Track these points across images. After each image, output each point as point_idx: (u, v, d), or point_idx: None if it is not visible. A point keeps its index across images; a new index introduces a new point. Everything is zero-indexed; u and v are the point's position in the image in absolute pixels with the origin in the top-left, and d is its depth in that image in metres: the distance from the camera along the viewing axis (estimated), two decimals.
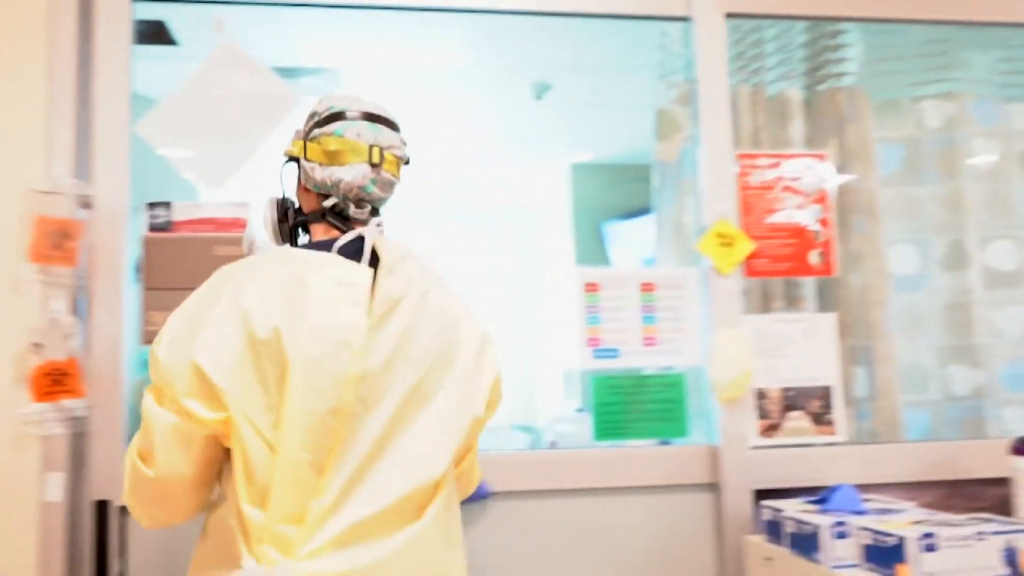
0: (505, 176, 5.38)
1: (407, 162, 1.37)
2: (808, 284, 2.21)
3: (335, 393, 1.13)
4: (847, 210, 2.25)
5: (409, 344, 1.20)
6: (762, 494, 1.91)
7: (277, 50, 3.07)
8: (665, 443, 2.05)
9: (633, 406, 2.02)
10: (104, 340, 1.80)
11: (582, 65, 3.44)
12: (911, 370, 2.29)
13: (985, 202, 2.35)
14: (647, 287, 2.05)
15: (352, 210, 1.30)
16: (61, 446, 1.75)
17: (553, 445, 3.66)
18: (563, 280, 5.24)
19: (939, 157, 2.37)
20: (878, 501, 1.78)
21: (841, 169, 2.26)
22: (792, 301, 2.20)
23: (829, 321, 2.07)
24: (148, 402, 1.18)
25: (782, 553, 1.67)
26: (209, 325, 1.14)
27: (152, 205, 1.90)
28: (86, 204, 1.81)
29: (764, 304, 2.20)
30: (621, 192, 4.91)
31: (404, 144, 1.35)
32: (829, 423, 2.03)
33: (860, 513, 1.63)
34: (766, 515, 1.76)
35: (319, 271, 1.19)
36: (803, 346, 2.04)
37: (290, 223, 1.38)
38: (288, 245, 1.38)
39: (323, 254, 1.24)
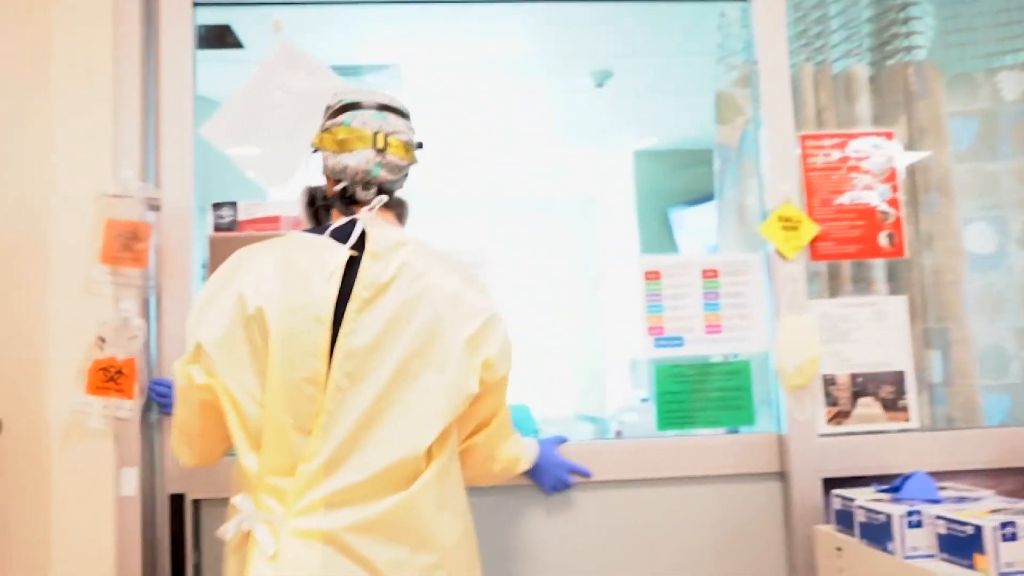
0: (568, 165, 5.37)
1: (420, 146, 1.49)
2: (879, 266, 2.14)
3: (308, 363, 1.26)
4: (918, 189, 2.18)
5: (399, 325, 1.29)
6: (832, 483, 1.87)
7: (339, 49, 3.12)
8: (732, 432, 2.02)
9: (697, 395, 2.00)
10: (173, 339, 1.86)
11: (642, 51, 3.41)
12: (989, 353, 2.20)
13: None
14: (709, 273, 2.02)
15: (359, 192, 1.41)
16: (134, 442, 1.82)
17: (619, 435, 3.65)
18: (627, 268, 5.21)
19: (1016, 130, 2.27)
20: (954, 489, 1.72)
21: (911, 146, 2.18)
22: (863, 284, 2.14)
23: (899, 304, 2.01)
24: (176, 365, 1.37)
25: (853, 543, 1.63)
26: (216, 301, 1.32)
27: (218, 205, 1.95)
28: (154, 206, 1.87)
29: (834, 288, 2.14)
30: (685, 178, 4.84)
31: (412, 130, 1.46)
32: (902, 409, 1.97)
33: (935, 502, 1.58)
34: (836, 504, 1.72)
35: (306, 252, 1.33)
36: (872, 330, 1.98)
37: (314, 208, 1.50)
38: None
39: (316, 237, 1.36)
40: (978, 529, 1.35)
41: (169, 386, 1.77)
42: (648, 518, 1.93)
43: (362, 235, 1.35)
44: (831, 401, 1.96)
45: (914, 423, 1.96)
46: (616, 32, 3.18)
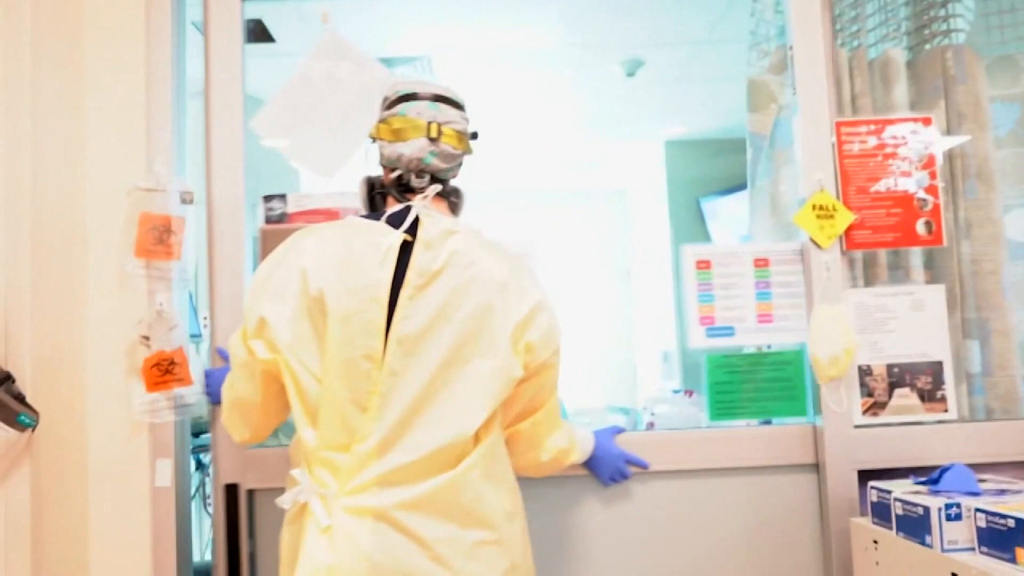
0: (598, 155, 5.34)
1: (475, 136, 1.52)
2: (916, 255, 2.10)
3: (366, 341, 1.31)
4: (957, 175, 2.13)
5: (450, 312, 1.34)
6: (867, 475, 1.84)
7: (371, 41, 3.13)
8: (766, 423, 2.00)
9: (749, 385, 1.98)
10: (227, 332, 1.87)
11: (672, 40, 3.38)
12: None
13: None
14: (761, 263, 2.00)
15: (413, 180, 1.45)
16: (168, 433, 1.84)
17: (650, 427, 3.63)
18: (660, 259, 5.17)
19: None
20: (994, 481, 1.68)
21: (949, 132, 2.13)
22: (900, 272, 2.10)
23: (937, 293, 1.97)
24: (233, 339, 1.44)
25: (889, 536, 1.61)
26: (275, 281, 1.36)
27: (268, 198, 1.98)
28: (186, 200, 1.89)
29: (870, 277, 2.10)
30: (717, 167, 4.80)
31: (466, 120, 1.50)
32: (940, 400, 1.93)
33: (974, 494, 1.55)
34: (872, 497, 1.69)
35: (363, 236, 1.37)
36: (909, 320, 1.95)
37: (371, 196, 1.53)
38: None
39: (372, 222, 1.41)
40: (1019, 522, 1.33)
41: (219, 377, 1.80)
42: (684, 509, 1.93)
43: (415, 222, 1.39)
44: (867, 392, 1.93)
45: (952, 414, 1.93)
46: (646, 21, 3.15)
